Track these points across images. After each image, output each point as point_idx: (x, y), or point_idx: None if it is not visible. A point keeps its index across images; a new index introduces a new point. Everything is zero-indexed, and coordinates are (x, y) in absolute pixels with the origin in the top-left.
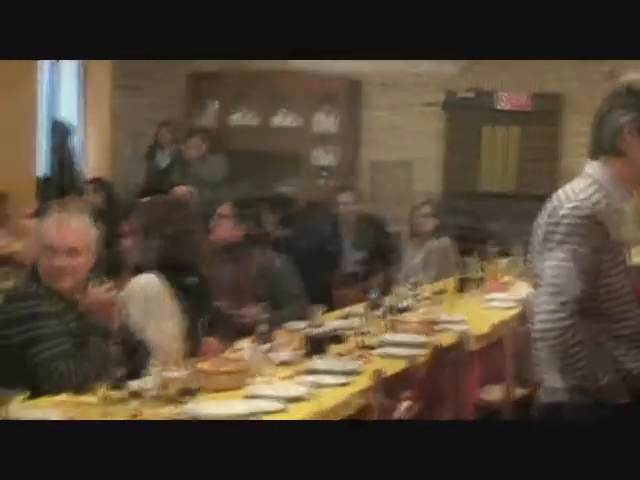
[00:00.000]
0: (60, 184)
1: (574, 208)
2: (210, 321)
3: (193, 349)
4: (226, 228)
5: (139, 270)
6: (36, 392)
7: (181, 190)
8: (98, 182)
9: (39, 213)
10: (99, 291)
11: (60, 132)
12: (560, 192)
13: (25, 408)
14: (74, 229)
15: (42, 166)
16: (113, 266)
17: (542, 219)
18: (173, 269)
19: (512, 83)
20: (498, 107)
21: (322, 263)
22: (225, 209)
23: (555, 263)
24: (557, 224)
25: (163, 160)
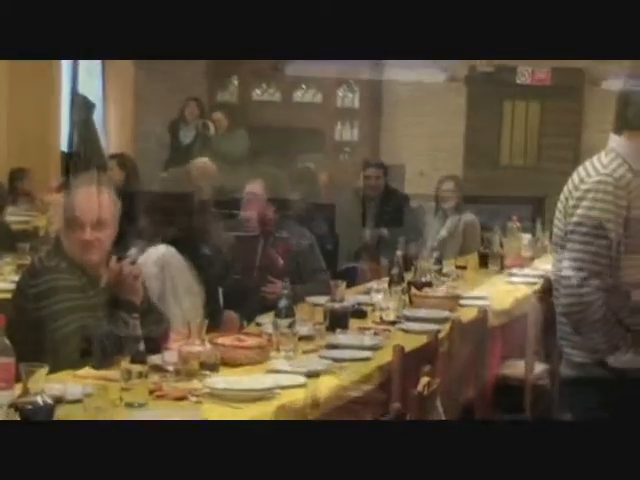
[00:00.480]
0: (83, 160)
1: (598, 182)
2: (230, 294)
3: (212, 322)
4: (257, 207)
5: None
6: (57, 366)
7: (202, 162)
8: (121, 157)
9: (62, 188)
10: (123, 265)
11: (83, 108)
12: (583, 166)
13: (46, 382)
14: (101, 202)
15: (65, 142)
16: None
17: (565, 193)
18: (184, 242)
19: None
20: (519, 82)
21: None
22: (257, 187)
23: (578, 237)
24: (581, 198)
25: (187, 136)
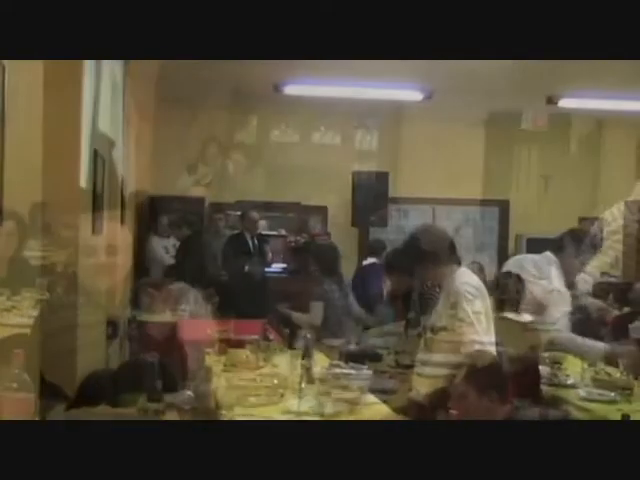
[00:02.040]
0: (101, 196)
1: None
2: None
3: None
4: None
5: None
6: (77, 402)
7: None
8: (141, 195)
9: (82, 224)
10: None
11: (102, 143)
12: (617, 207)
13: (65, 417)
14: (114, 232)
15: (84, 177)
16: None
17: (590, 237)
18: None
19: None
20: (524, 126)
21: None
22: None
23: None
24: (608, 238)
25: (206, 176)
